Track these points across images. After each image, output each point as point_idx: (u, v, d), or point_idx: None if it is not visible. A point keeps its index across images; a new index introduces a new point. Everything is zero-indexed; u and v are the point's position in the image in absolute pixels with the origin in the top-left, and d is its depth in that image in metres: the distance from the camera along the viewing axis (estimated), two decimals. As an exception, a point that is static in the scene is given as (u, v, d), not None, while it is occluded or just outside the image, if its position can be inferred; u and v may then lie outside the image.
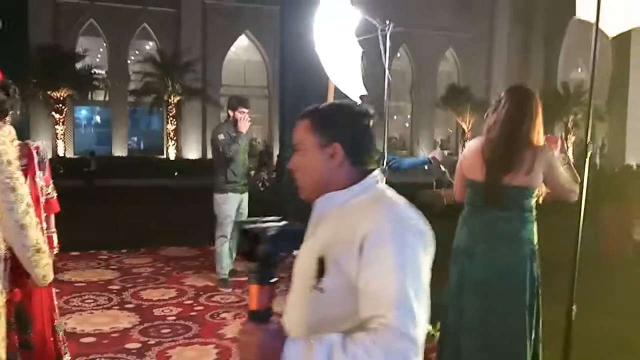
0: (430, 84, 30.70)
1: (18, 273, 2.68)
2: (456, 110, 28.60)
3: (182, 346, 4.10)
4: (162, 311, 4.85)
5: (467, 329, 2.93)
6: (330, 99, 6.87)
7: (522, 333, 2.81)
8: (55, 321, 2.91)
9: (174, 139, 26.50)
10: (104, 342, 4.13)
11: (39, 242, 2.18)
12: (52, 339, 2.83)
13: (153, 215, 10.36)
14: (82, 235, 7.25)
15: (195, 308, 4.96)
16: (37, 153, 2.82)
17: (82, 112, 29.23)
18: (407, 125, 32.70)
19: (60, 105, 24.13)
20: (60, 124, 24.52)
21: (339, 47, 4.48)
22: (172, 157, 26.39)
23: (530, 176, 2.81)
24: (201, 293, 5.38)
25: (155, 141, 28.58)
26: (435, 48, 30.54)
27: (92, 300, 5.07)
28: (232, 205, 5.57)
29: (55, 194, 3.05)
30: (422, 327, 1.26)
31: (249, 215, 5.82)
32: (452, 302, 3.03)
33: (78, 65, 24.73)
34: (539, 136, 2.89)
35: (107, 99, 27.41)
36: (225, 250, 5.59)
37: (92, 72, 25.23)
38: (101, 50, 28.27)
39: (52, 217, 3.07)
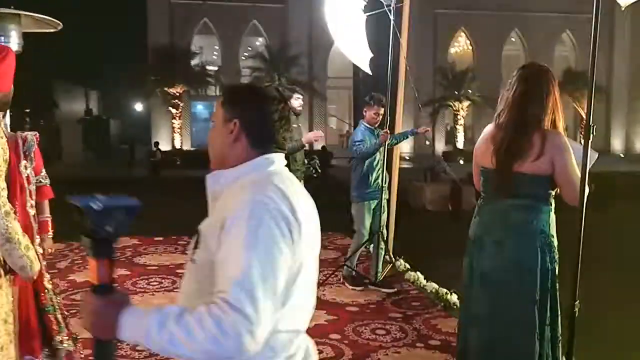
0: (545, 69, 28.93)
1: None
2: (573, 96, 26.78)
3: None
4: (219, 295, 5.03)
5: (474, 322, 2.79)
6: (401, 88, 6.80)
7: (529, 330, 2.61)
8: (44, 302, 3.01)
9: (282, 131, 27.20)
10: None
11: (10, 231, 2.16)
12: (35, 320, 2.93)
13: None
14: (174, 221, 7.73)
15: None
16: (24, 143, 2.94)
17: (199, 107, 30.85)
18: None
19: (177, 100, 25.66)
20: (177, 118, 26.08)
21: (347, 23, 4.84)
22: (279, 149, 27.13)
23: (540, 162, 2.59)
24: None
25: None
26: (551, 31, 28.77)
27: (157, 283, 5.40)
28: None
29: (47, 181, 3.21)
30: (263, 307, 1.24)
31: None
32: (464, 295, 2.90)
33: (193, 63, 26.20)
34: (552, 119, 2.66)
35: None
36: None
37: (206, 68, 26.63)
38: (216, 47, 29.70)
39: (46, 203, 3.21)
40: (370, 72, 5.84)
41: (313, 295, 1.51)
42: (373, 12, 5.13)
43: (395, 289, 5.26)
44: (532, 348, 2.62)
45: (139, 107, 35.15)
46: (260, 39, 29.31)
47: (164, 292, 5.15)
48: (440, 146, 28.50)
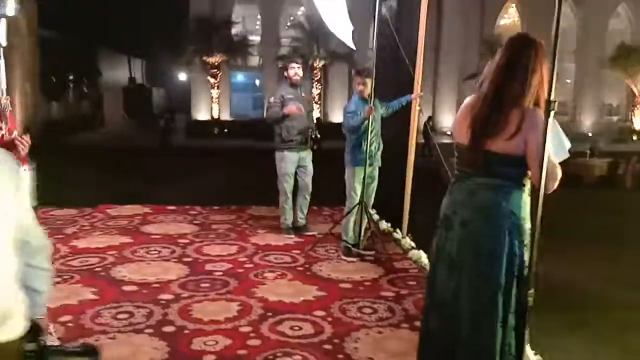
0: (597, 43, 27.65)
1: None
2: (627, 72, 25.54)
3: (209, 301, 4.20)
4: (214, 266, 5.00)
5: (436, 306, 2.62)
6: (420, 55, 6.56)
7: (492, 317, 2.43)
8: None
9: (319, 103, 27.00)
10: (143, 291, 4.37)
11: None
12: None
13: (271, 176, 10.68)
14: (193, 191, 7.79)
15: (245, 265, 5.05)
16: None
17: (238, 77, 30.85)
18: (570, 87, 29.92)
19: (216, 70, 25.71)
20: (216, 88, 26.16)
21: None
22: (318, 121, 27.04)
23: (513, 141, 2.37)
24: (259, 252, 5.46)
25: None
26: (605, 3, 27.36)
27: (156, 252, 5.39)
28: (289, 163, 5.82)
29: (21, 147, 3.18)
30: None
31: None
32: (429, 276, 2.74)
33: (233, 32, 26.13)
34: (535, 95, 2.42)
35: (261, 64, 28.72)
36: (283, 206, 6.02)
37: (246, 38, 26.53)
38: (259, 17, 29.51)
39: None
40: (354, 47, 5.86)
41: None
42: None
43: (374, 252, 5.42)
44: (495, 336, 2.44)
45: (181, 76, 35.44)
46: (302, 9, 28.94)
47: (161, 261, 5.13)
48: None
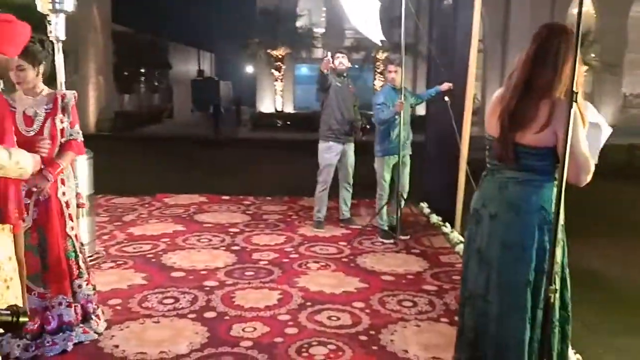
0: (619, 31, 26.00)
1: (43, 205, 3.08)
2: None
3: (252, 289, 4.29)
4: (260, 255, 5.10)
5: (468, 300, 2.59)
6: (474, 48, 6.42)
7: (520, 313, 2.37)
8: (69, 247, 3.23)
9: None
10: (189, 277, 4.52)
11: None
12: (66, 262, 3.18)
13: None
14: (251, 181, 7.97)
15: (291, 255, 5.12)
16: (62, 100, 3.16)
17: (302, 70, 31.05)
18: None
19: (279, 63, 25.98)
20: (279, 80, 26.45)
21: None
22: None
23: (544, 134, 2.31)
24: (305, 242, 5.52)
25: (368, 96, 29.25)
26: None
27: (206, 240, 5.54)
28: (333, 154, 5.87)
29: (79, 137, 3.34)
30: None
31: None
32: (462, 271, 2.70)
33: (298, 24, 26.30)
34: (566, 86, 2.32)
35: (325, 56, 28.76)
36: (321, 197, 6.01)
37: (311, 31, 26.65)
38: (324, 9, 29.57)
39: (69, 153, 3.30)
40: (379, 43, 6.02)
41: None
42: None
43: (409, 236, 5.69)
44: (522, 332, 2.39)
45: (248, 69, 36.07)
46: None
47: (211, 249, 5.28)
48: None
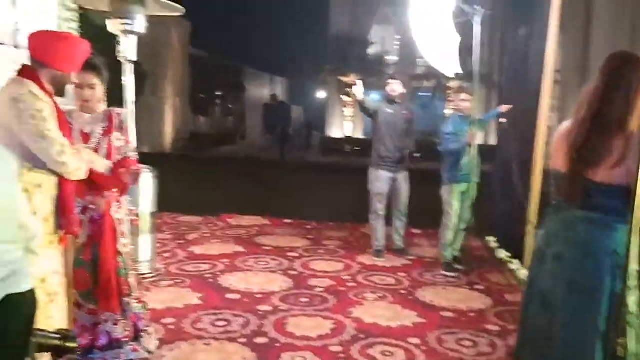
0: None
1: (97, 223, 3.12)
2: None
3: (305, 316, 4.20)
4: (317, 282, 5.01)
5: (528, 345, 2.39)
6: (549, 78, 6.20)
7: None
8: (118, 265, 3.24)
9: (452, 123, 26.40)
10: (244, 300, 4.48)
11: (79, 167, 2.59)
12: (115, 280, 3.19)
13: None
14: (315, 205, 7.98)
15: (348, 284, 5.00)
16: (118, 118, 3.21)
17: (373, 97, 31.02)
18: None
19: (349, 89, 26.12)
20: (349, 106, 26.54)
21: (435, 30, 5.23)
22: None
23: (618, 171, 2.12)
24: (364, 271, 5.39)
25: (440, 124, 28.87)
26: None
27: (264, 263, 5.51)
28: (382, 182, 5.77)
29: (133, 154, 3.38)
30: None
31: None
32: (521, 312, 2.51)
33: (369, 52, 26.46)
34: None
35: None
36: (375, 225, 5.89)
37: (382, 58, 26.71)
38: (397, 37, 29.62)
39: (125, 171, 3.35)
40: (450, 75, 5.90)
41: None
42: (457, 21, 5.46)
43: (465, 268, 5.46)
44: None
45: (319, 94, 36.49)
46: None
47: (268, 272, 5.24)
48: None
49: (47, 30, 2.74)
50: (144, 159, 5.61)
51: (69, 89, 2.97)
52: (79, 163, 2.55)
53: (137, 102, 4.68)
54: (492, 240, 6.55)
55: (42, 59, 2.53)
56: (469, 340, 3.90)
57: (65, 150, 2.47)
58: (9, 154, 1.96)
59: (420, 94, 27.43)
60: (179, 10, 4.87)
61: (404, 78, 25.80)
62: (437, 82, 24.95)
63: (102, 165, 2.97)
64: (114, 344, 3.19)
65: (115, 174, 3.11)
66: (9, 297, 1.70)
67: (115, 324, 3.19)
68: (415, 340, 3.85)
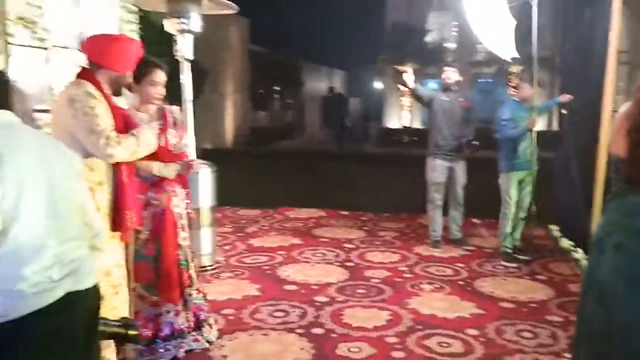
0: None
1: (159, 218, 3.23)
2: None
3: (362, 307, 4.22)
4: (373, 273, 5.01)
5: (583, 340, 2.32)
6: (612, 59, 5.96)
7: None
8: (181, 257, 3.34)
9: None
10: (301, 291, 4.55)
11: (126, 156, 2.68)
12: (177, 272, 3.29)
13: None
14: (369, 196, 8.00)
15: (404, 275, 4.98)
16: (171, 115, 3.31)
17: (431, 85, 30.57)
18: None
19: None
20: (407, 96, 26.26)
21: (490, 15, 5.16)
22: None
23: None
24: (421, 262, 5.35)
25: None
26: None
27: (321, 255, 5.56)
28: (439, 172, 5.69)
29: (188, 150, 3.47)
30: None
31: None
32: (579, 305, 2.43)
33: (427, 40, 26.06)
34: None
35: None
36: (432, 215, 5.82)
37: (440, 46, 26.26)
38: (455, 24, 29.02)
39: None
40: (509, 59, 5.73)
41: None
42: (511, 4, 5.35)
43: (530, 258, 5.34)
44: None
45: (377, 85, 36.29)
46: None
47: (325, 263, 5.29)
48: None
49: (102, 33, 2.84)
50: (205, 154, 5.81)
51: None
52: (124, 152, 2.62)
53: (197, 99, 4.81)
54: (555, 229, 6.36)
55: (98, 60, 2.65)
56: (529, 332, 3.82)
57: (110, 142, 2.54)
58: (73, 153, 2.06)
59: (481, 80, 26.83)
60: (232, 8, 4.97)
61: (463, 65, 25.17)
62: (498, 68, 24.31)
63: (150, 143, 2.94)
64: (176, 334, 3.32)
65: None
66: (69, 294, 1.74)
67: (177, 315, 3.31)
68: (473, 332, 3.80)
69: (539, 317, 4.08)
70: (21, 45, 5.58)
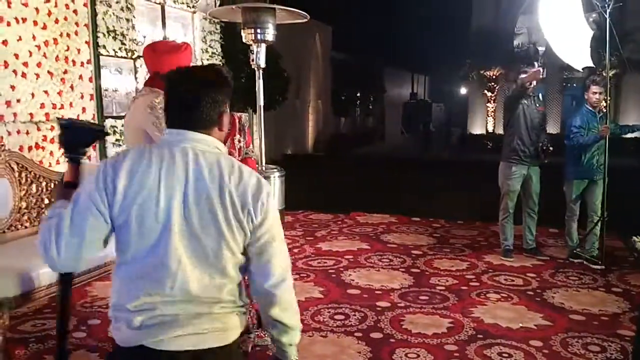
0: None
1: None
2: None
3: (422, 314, 4.20)
4: (438, 280, 4.97)
5: None
6: None
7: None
8: None
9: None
10: (364, 295, 4.59)
11: None
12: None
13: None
14: (446, 203, 7.94)
15: (471, 283, 4.89)
16: (239, 121, 3.46)
17: (516, 91, 29.60)
18: None
19: (493, 83, 25.19)
20: (492, 101, 25.59)
21: (565, 24, 5.07)
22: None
23: None
24: (490, 271, 5.23)
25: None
26: None
27: (387, 261, 5.57)
28: (515, 178, 5.55)
29: (252, 155, 3.59)
30: (63, 237, 1.59)
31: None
32: (637, 317, 2.33)
33: (514, 44, 25.29)
34: None
35: (544, 75, 27.15)
36: (504, 223, 5.70)
37: (529, 49, 25.39)
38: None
39: None
40: (580, 69, 5.59)
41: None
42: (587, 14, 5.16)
43: (603, 266, 5.19)
44: None
45: (461, 90, 35.62)
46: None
47: (390, 269, 5.29)
48: None
49: (153, 43, 3.04)
50: (285, 160, 5.99)
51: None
52: None
53: (281, 106, 4.96)
54: (637, 241, 6.01)
55: (155, 69, 2.83)
56: (597, 345, 3.67)
57: None
58: None
59: (570, 85, 25.70)
60: (304, 17, 5.09)
61: (552, 70, 24.16)
62: (589, 72, 23.20)
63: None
64: (243, 330, 3.45)
65: None
66: None
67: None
68: (537, 343, 3.70)
69: (609, 330, 3.90)
70: (110, 56, 6.01)
